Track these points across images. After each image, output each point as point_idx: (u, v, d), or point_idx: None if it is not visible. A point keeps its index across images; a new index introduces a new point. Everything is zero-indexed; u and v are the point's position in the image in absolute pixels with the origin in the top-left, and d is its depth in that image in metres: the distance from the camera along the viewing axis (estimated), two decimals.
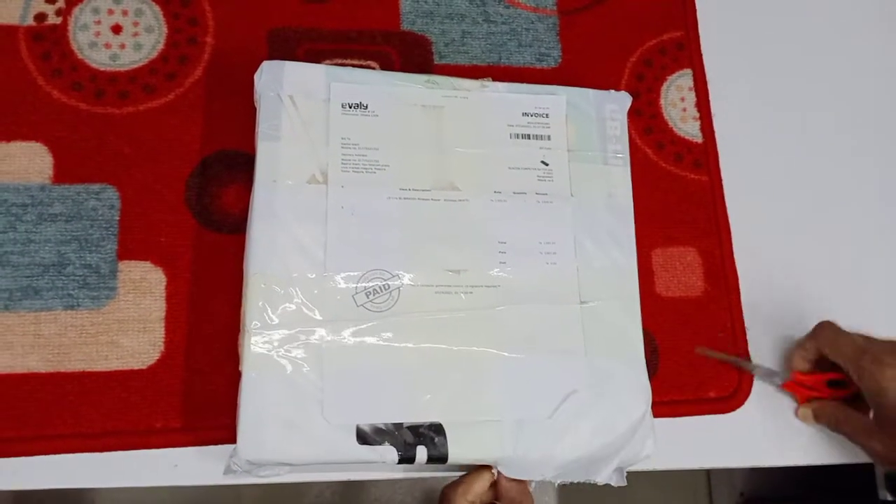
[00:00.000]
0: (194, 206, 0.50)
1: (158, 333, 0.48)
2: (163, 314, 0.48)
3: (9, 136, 0.50)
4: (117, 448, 0.46)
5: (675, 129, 0.58)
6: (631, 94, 0.55)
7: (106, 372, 0.47)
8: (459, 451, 0.45)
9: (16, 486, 0.46)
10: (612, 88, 0.55)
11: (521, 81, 0.55)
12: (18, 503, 1.17)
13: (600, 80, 0.58)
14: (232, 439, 0.43)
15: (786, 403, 0.55)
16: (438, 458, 0.44)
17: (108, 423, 0.46)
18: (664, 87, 0.59)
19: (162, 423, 0.47)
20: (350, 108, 0.49)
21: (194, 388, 0.47)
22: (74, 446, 0.46)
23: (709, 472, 1.36)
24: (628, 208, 0.53)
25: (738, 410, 0.54)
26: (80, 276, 0.48)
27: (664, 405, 0.52)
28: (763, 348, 0.55)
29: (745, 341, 0.55)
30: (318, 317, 0.45)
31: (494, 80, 0.53)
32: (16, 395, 0.46)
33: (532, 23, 0.59)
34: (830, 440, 0.54)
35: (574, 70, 0.58)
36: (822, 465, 0.55)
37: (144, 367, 0.47)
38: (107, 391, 0.47)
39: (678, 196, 0.57)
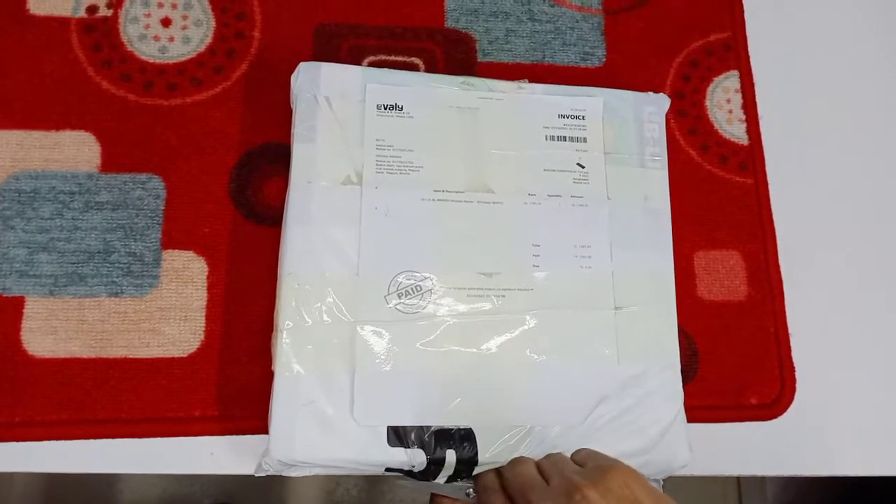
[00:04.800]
0: (237, 198, 0.51)
1: (199, 322, 0.49)
2: (204, 303, 0.49)
3: (58, 126, 0.51)
4: (156, 435, 0.47)
5: (720, 130, 0.57)
6: (676, 95, 0.54)
7: (147, 359, 0.48)
8: (489, 456, 0.44)
9: (58, 468, 0.46)
10: (657, 89, 0.55)
11: (565, 80, 0.55)
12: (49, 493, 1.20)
13: (645, 81, 0.58)
14: (267, 430, 0.43)
15: (830, 411, 0.53)
16: (468, 463, 0.44)
17: (148, 409, 0.47)
18: (710, 89, 0.58)
19: (200, 411, 0.47)
20: (385, 109, 0.50)
21: (233, 378, 0.48)
22: (114, 431, 0.46)
23: (739, 483, 1.34)
24: (665, 212, 0.52)
25: (781, 418, 0.52)
26: (124, 263, 0.49)
27: (703, 409, 0.52)
28: (807, 356, 0.54)
29: (789, 348, 0.54)
30: (350, 318, 0.45)
31: (531, 81, 0.53)
32: (58, 380, 0.47)
33: (577, 22, 0.58)
34: (877, 450, 0.53)
35: (618, 70, 0.57)
36: (864, 477, 0.53)
37: (185, 356, 0.48)
38: (147, 378, 0.47)
39: (722, 198, 0.56)
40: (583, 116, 0.52)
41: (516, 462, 0.43)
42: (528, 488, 0.39)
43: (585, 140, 0.52)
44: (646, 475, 0.46)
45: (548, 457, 0.42)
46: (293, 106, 0.50)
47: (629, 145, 0.52)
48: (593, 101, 0.52)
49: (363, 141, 0.49)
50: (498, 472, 0.43)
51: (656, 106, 0.54)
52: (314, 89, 0.49)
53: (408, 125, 0.49)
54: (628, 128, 0.53)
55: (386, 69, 0.53)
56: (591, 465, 0.39)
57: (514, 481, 0.41)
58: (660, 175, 0.52)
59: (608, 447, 0.46)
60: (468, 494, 0.45)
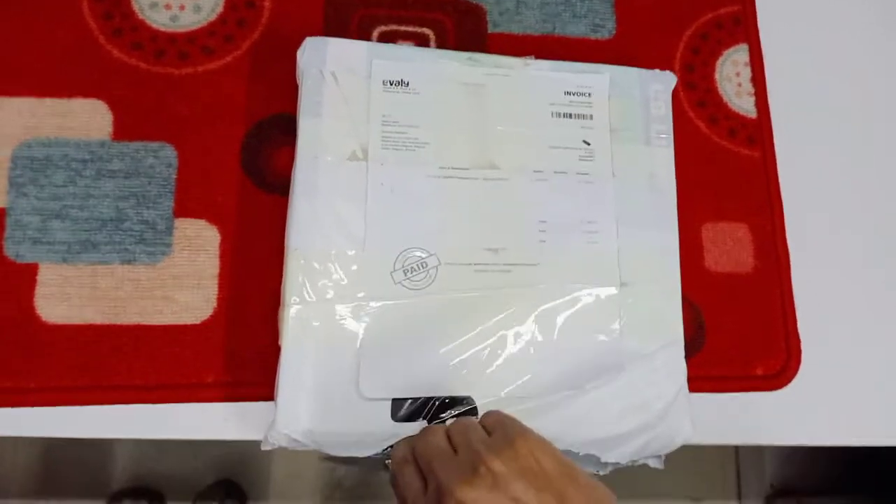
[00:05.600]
0: (249, 167, 0.51)
1: (212, 290, 0.49)
2: (216, 271, 0.49)
3: (70, 93, 0.51)
4: (169, 400, 0.47)
5: (729, 104, 0.58)
6: (686, 68, 0.54)
7: (160, 326, 0.48)
8: None
9: (72, 433, 0.47)
10: (667, 61, 0.55)
11: (575, 52, 0.55)
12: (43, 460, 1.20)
13: (655, 53, 0.58)
14: None
15: (835, 382, 0.54)
16: None
17: (162, 375, 0.47)
18: (719, 62, 0.58)
19: (213, 377, 0.48)
20: (391, 85, 0.50)
21: (246, 345, 0.48)
22: (128, 397, 0.47)
23: (738, 463, 1.36)
24: (671, 190, 0.52)
25: (786, 388, 0.53)
26: (137, 231, 0.49)
27: (710, 380, 0.52)
28: (813, 327, 0.55)
29: (795, 320, 0.54)
30: (357, 293, 0.46)
31: (540, 55, 0.53)
32: (72, 346, 0.47)
33: None
34: (882, 420, 0.54)
35: (628, 42, 0.57)
36: (859, 456, 0.54)
37: (198, 323, 0.48)
38: (161, 345, 0.48)
39: (730, 171, 0.56)
40: (589, 94, 0.52)
41: (426, 431, 0.42)
42: (434, 459, 0.38)
43: (591, 117, 0.52)
44: (650, 451, 0.47)
45: (457, 422, 0.41)
46: (299, 81, 0.50)
47: (635, 123, 0.53)
48: (600, 78, 0.52)
49: (369, 117, 0.49)
50: (410, 442, 0.42)
51: (663, 83, 0.54)
52: (320, 64, 0.49)
53: (414, 101, 0.50)
54: (634, 105, 0.53)
55: (392, 45, 0.53)
56: (499, 434, 0.39)
57: (422, 452, 0.40)
58: (665, 153, 0.53)
59: (612, 422, 0.47)
60: (386, 466, 0.44)
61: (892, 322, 0.56)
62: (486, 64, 0.51)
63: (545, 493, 0.36)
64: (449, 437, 0.40)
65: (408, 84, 0.50)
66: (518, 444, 0.37)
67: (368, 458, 0.45)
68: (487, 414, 0.42)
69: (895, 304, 0.57)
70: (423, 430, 0.42)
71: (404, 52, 0.51)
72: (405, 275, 0.47)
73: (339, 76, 0.49)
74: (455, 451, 0.39)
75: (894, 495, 1.13)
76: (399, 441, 0.43)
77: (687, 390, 0.49)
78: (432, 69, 0.50)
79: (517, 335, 0.47)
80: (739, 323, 0.54)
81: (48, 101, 0.50)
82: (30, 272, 0.48)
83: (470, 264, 0.48)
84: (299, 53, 0.49)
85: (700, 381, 0.51)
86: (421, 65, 0.50)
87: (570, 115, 0.52)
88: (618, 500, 0.38)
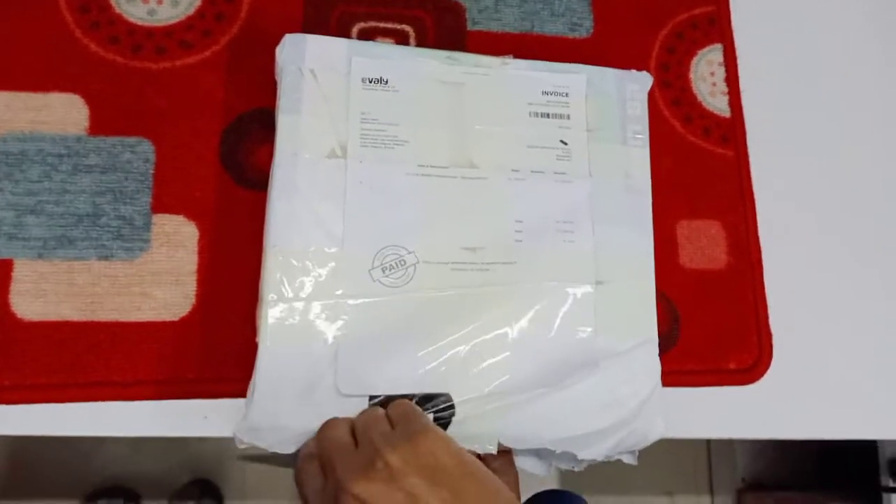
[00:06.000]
0: (228, 163, 0.51)
1: (190, 286, 0.49)
2: (195, 267, 0.49)
3: (46, 87, 0.50)
4: (149, 397, 0.47)
5: (703, 103, 0.59)
6: (661, 67, 0.55)
7: (138, 322, 0.48)
8: (465, 421, 0.45)
9: (48, 431, 0.46)
10: (643, 60, 0.55)
11: (553, 50, 0.56)
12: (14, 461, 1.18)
13: (631, 52, 0.58)
14: None
15: (806, 377, 0.55)
16: (444, 426, 0.45)
17: (140, 372, 0.47)
18: (694, 61, 0.59)
19: (192, 374, 0.47)
20: (371, 82, 0.50)
21: (225, 341, 0.48)
22: (106, 394, 0.47)
23: (710, 458, 1.38)
24: (646, 190, 0.53)
25: (758, 383, 0.54)
26: (114, 227, 0.49)
27: (683, 374, 0.53)
28: (784, 322, 0.56)
29: (767, 315, 0.55)
30: (335, 290, 0.46)
31: (518, 54, 0.53)
32: (48, 343, 0.47)
33: None
34: (851, 414, 0.55)
35: (605, 41, 0.58)
36: (829, 450, 0.55)
37: (176, 319, 0.48)
38: (139, 341, 0.47)
39: (704, 170, 0.57)
40: (566, 94, 0.53)
41: (328, 425, 0.41)
42: (334, 453, 0.39)
43: (569, 117, 0.52)
44: (624, 447, 0.48)
45: (363, 415, 0.41)
46: (278, 78, 0.49)
47: (611, 123, 0.53)
48: (577, 78, 0.53)
49: (348, 114, 0.49)
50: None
51: (639, 84, 0.54)
52: (299, 61, 0.49)
53: (393, 99, 0.50)
54: (611, 105, 0.53)
55: (371, 42, 0.53)
56: (401, 429, 0.39)
57: (324, 447, 0.40)
58: (641, 153, 0.53)
59: (587, 420, 0.47)
60: None
61: (862, 317, 0.58)
62: (465, 63, 0.52)
63: (441, 488, 0.36)
64: (353, 429, 0.40)
65: (387, 82, 0.50)
66: (418, 439, 0.38)
67: (284, 455, 0.45)
68: (395, 404, 0.43)
69: (865, 299, 0.58)
70: (326, 424, 0.42)
71: (384, 50, 0.51)
72: (383, 272, 0.47)
73: (318, 73, 0.49)
74: (356, 444, 0.39)
75: (863, 488, 1.15)
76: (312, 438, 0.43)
77: (661, 388, 0.50)
78: (412, 67, 0.51)
79: (494, 333, 0.47)
80: (713, 318, 0.55)
81: (23, 94, 0.50)
82: (5, 268, 0.47)
83: (448, 263, 0.48)
84: (278, 50, 0.49)
85: (675, 375, 0.52)
86: (400, 63, 0.50)
87: (548, 115, 0.52)
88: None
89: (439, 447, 0.38)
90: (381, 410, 0.43)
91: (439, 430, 0.40)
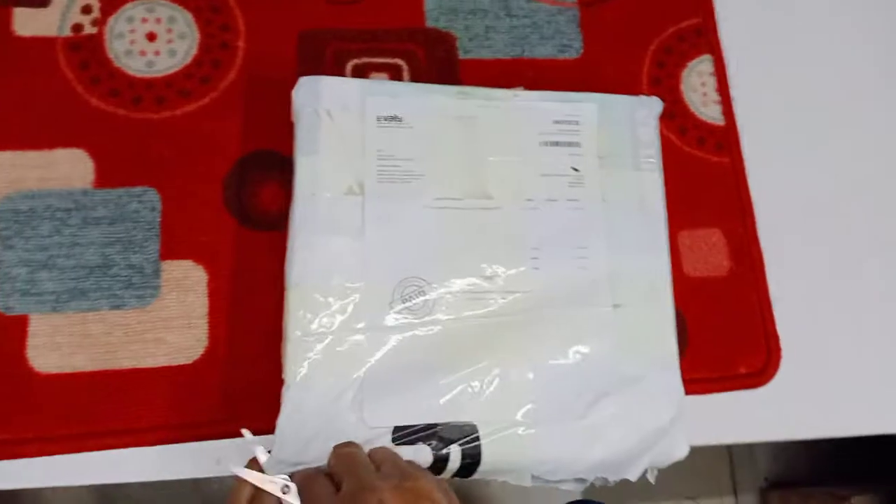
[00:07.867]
0: (233, 205, 0.52)
1: (202, 329, 0.49)
2: (206, 310, 0.50)
3: (51, 144, 0.51)
4: (165, 442, 0.48)
5: (696, 113, 0.59)
6: (652, 81, 0.56)
7: (153, 368, 0.48)
8: (492, 451, 0.46)
9: (69, 482, 0.47)
10: (634, 76, 0.56)
11: (545, 73, 0.57)
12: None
13: (622, 70, 0.59)
14: (274, 432, 0.44)
15: (816, 375, 0.56)
16: (471, 457, 0.45)
17: (156, 417, 0.48)
18: (684, 73, 0.60)
19: (207, 416, 0.48)
20: (385, 120, 0.50)
21: (239, 382, 0.49)
22: (123, 441, 0.47)
23: (732, 459, 1.37)
24: (660, 213, 0.53)
25: (768, 385, 0.55)
26: (124, 276, 0.50)
27: (694, 382, 0.53)
28: (790, 323, 0.56)
29: (773, 318, 0.56)
30: (357, 325, 0.46)
31: (522, 83, 0.54)
32: (65, 394, 0.47)
33: (553, 15, 0.60)
34: (864, 412, 0.55)
35: (595, 60, 0.59)
36: (846, 447, 0.55)
37: (190, 363, 0.49)
38: (154, 387, 0.48)
39: (702, 178, 0.58)
40: (577, 122, 0.53)
41: (309, 482, 0.40)
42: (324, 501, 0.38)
43: (580, 144, 0.53)
44: (643, 465, 0.48)
45: (342, 457, 0.41)
46: (294, 120, 0.50)
47: (623, 148, 0.53)
48: (587, 106, 0.53)
49: (364, 152, 0.50)
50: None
51: (649, 109, 0.55)
52: (315, 103, 0.50)
53: (407, 135, 0.50)
54: (622, 131, 0.54)
55: (384, 81, 0.54)
56: (388, 468, 0.39)
57: (307, 492, 0.40)
58: (654, 177, 0.53)
59: (615, 446, 0.48)
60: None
61: (864, 314, 0.58)
62: (476, 96, 0.52)
63: None
64: (332, 476, 0.40)
65: (401, 119, 0.51)
66: (413, 478, 0.38)
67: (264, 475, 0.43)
68: (375, 450, 0.42)
69: (865, 297, 0.58)
70: (305, 480, 0.41)
71: (396, 88, 0.52)
72: (404, 304, 0.47)
73: (333, 114, 0.50)
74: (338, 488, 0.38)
75: (885, 480, 1.15)
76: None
77: (683, 412, 0.50)
78: (424, 104, 0.51)
79: (515, 361, 0.48)
80: (720, 324, 0.55)
81: (29, 153, 0.51)
82: (20, 324, 0.48)
83: (467, 292, 0.48)
84: (294, 93, 0.50)
85: (686, 383, 0.52)
86: (413, 100, 0.51)
87: (559, 143, 0.52)
88: None
89: (432, 486, 0.38)
90: (362, 455, 0.42)
91: (428, 472, 0.40)
